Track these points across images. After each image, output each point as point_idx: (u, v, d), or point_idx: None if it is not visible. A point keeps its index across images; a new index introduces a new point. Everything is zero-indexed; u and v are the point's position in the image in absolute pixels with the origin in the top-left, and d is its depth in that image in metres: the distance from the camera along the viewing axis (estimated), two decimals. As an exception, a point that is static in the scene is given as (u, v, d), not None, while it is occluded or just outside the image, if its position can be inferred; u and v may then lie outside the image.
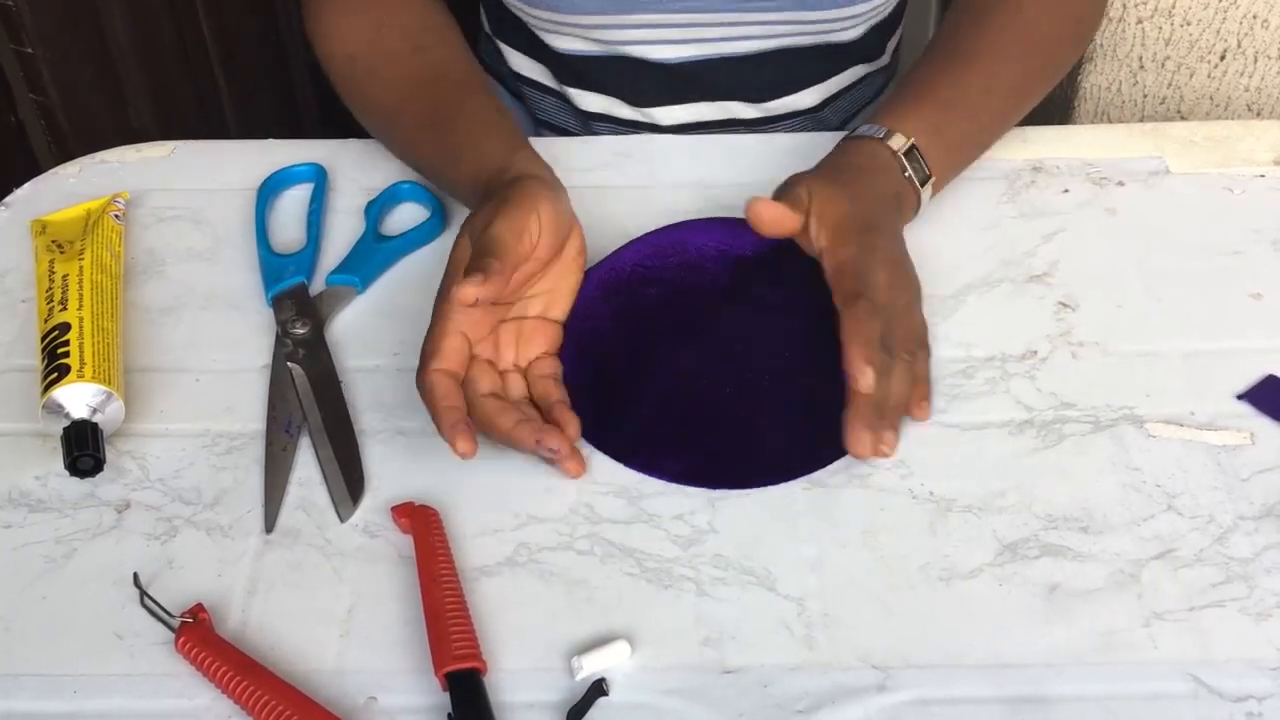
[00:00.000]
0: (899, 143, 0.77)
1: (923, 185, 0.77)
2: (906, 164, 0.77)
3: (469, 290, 0.65)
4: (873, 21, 0.94)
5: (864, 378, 0.66)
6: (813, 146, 0.88)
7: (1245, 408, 0.71)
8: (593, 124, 0.98)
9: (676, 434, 0.69)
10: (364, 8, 0.85)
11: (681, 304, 0.76)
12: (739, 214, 0.74)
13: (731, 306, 0.75)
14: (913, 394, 0.69)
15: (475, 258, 0.67)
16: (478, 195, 0.73)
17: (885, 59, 1.01)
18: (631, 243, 0.79)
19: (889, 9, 0.94)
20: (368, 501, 0.68)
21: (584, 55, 0.94)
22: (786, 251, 0.75)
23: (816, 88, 0.97)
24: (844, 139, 0.80)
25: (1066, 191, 0.84)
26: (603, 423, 0.70)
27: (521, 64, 0.99)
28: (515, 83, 1.01)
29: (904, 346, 0.69)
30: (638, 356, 0.73)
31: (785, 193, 0.74)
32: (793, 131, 0.98)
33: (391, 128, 0.84)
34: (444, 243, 0.82)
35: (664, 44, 0.92)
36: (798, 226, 0.73)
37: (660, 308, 0.75)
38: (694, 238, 0.79)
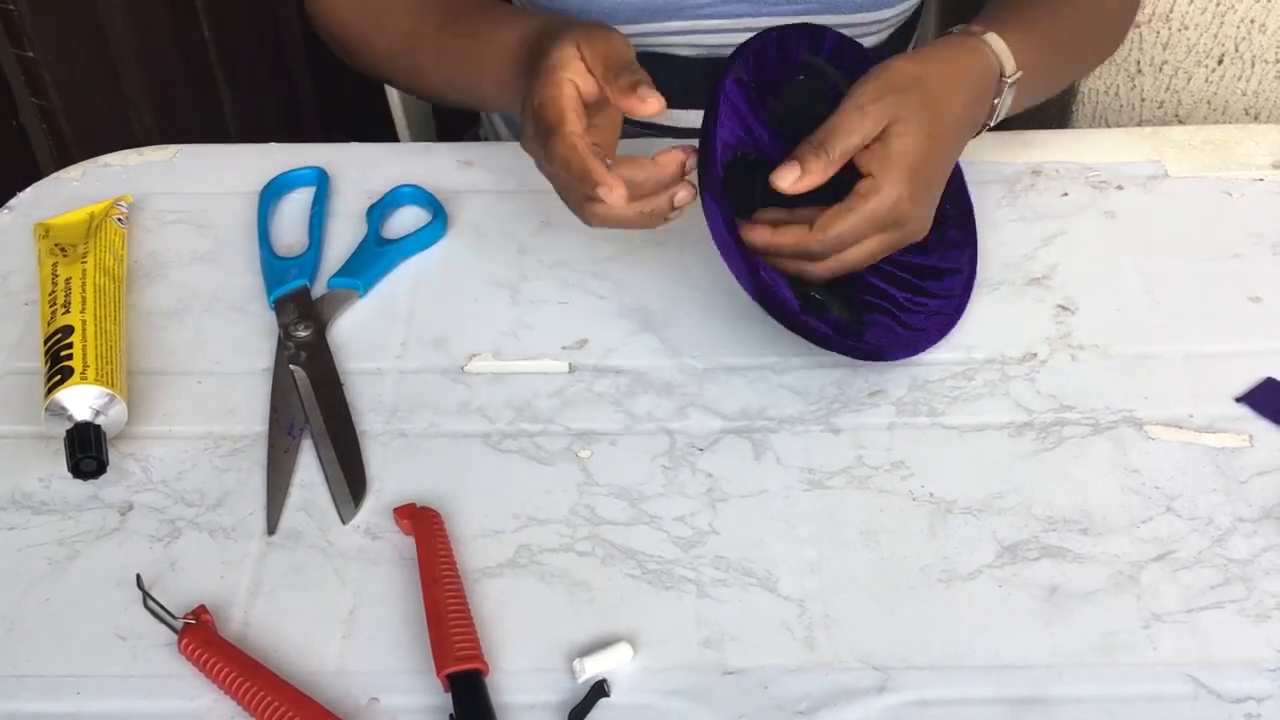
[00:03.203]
0: (987, 35, 0.75)
1: (1003, 75, 0.75)
2: (996, 48, 0.75)
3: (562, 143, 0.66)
4: (896, 26, 0.95)
5: (785, 177, 0.67)
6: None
7: (1244, 410, 0.71)
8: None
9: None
10: None
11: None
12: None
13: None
14: (827, 244, 0.69)
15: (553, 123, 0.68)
16: (515, 70, 0.75)
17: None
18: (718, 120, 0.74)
19: (909, 14, 0.95)
20: (369, 503, 0.68)
21: None
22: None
23: None
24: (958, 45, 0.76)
25: (1066, 195, 0.84)
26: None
27: None
28: None
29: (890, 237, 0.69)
30: None
31: (859, 107, 0.70)
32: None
33: (413, 43, 0.84)
34: (445, 245, 0.83)
35: (694, 47, 0.92)
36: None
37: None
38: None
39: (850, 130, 0.68)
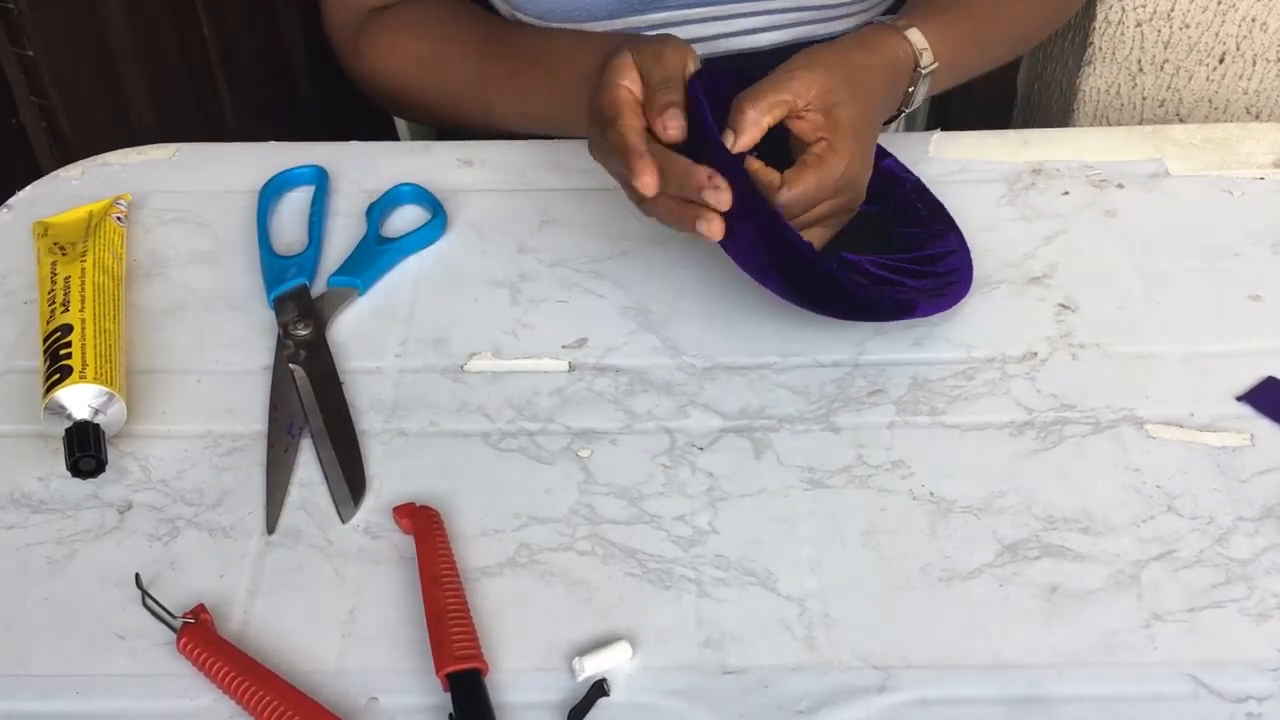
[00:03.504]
0: (924, 58, 0.80)
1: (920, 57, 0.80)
2: (912, 40, 0.79)
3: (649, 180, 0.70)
4: (866, 14, 0.95)
5: (736, 132, 0.70)
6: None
7: (1245, 409, 0.71)
8: None
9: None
10: (411, 19, 0.90)
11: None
12: None
13: None
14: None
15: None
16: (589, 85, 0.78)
17: None
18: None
19: (884, 6, 0.95)
20: (369, 502, 0.68)
21: None
22: None
23: None
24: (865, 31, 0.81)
25: (1066, 194, 0.84)
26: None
27: None
28: None
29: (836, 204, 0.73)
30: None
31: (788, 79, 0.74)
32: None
33: (482, 78, 0.88)
34: (445, 244, 0.83)
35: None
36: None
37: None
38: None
39: (779, 87, 0.72)
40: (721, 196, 0.68)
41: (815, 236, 0.74)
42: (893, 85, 0.79)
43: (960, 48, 0.82)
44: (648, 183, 0.69)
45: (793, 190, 0.71)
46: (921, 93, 0.81)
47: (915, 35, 0.79)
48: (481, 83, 0.88)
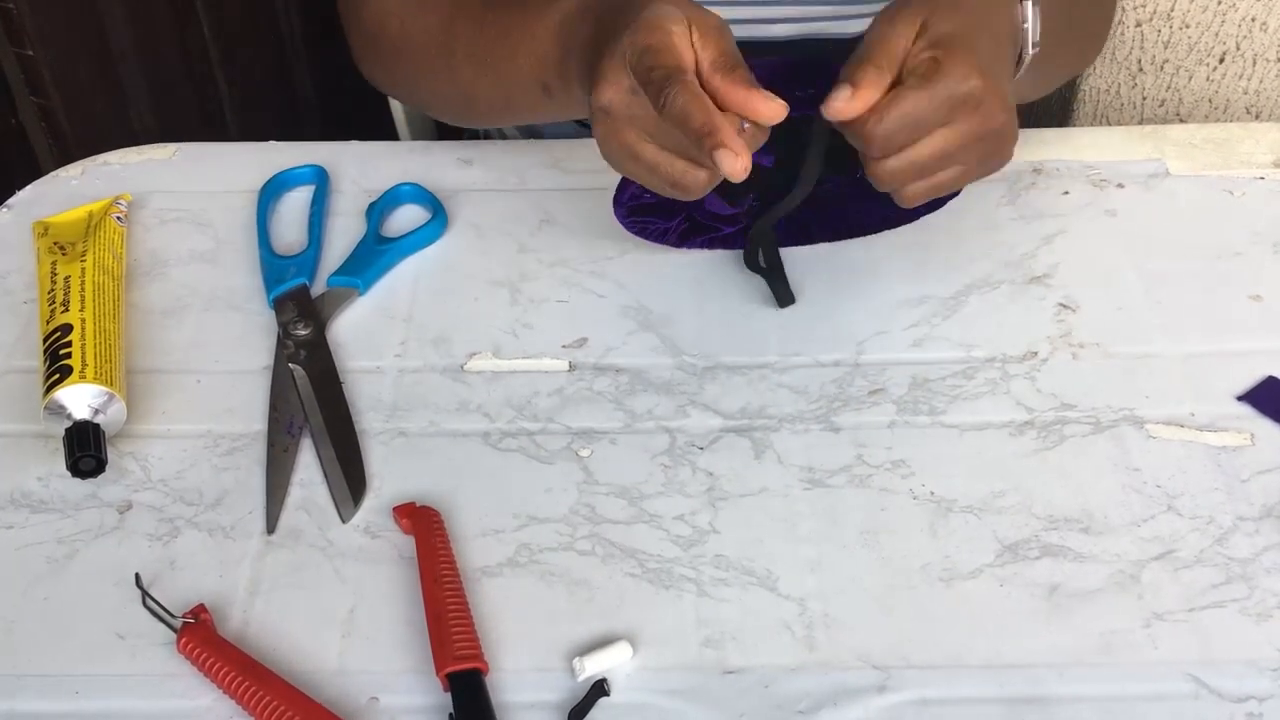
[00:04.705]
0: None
1: (1032, 46, 0.68)
2: (1030, 16, 0.68)
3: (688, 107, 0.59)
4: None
5: (838, 99, 0.62)
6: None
7: (1245, 409, 0.71)
8: None
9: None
10: None
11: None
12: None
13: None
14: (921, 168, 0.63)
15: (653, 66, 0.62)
16: (566, 42, 0.70)
17: None
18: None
19: None
20: (369, 502, 0.68)
21: None
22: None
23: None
24: None
25: (1066, 193, 0.84)
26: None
27: None
28: None
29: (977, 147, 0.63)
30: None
31: (888, 24, 0.65)
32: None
33: (453, 30, 0.79)
34: (445, 244, 0.83)
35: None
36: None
37: None
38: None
39: (887, 37, 0.63)
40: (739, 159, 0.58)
41: (951, 178, 0.64)
42: (1008, 35, 0.68)
43: (1052, 39, 0.71)
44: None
45: (887, 114, 0.61)
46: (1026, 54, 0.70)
47: (1030, 8, 0.68)
48: (448, 25, 0.80)
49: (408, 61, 0.84)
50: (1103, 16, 0.89)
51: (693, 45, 0.63)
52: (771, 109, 0.61)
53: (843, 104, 0.62)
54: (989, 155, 0.66)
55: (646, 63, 0.61)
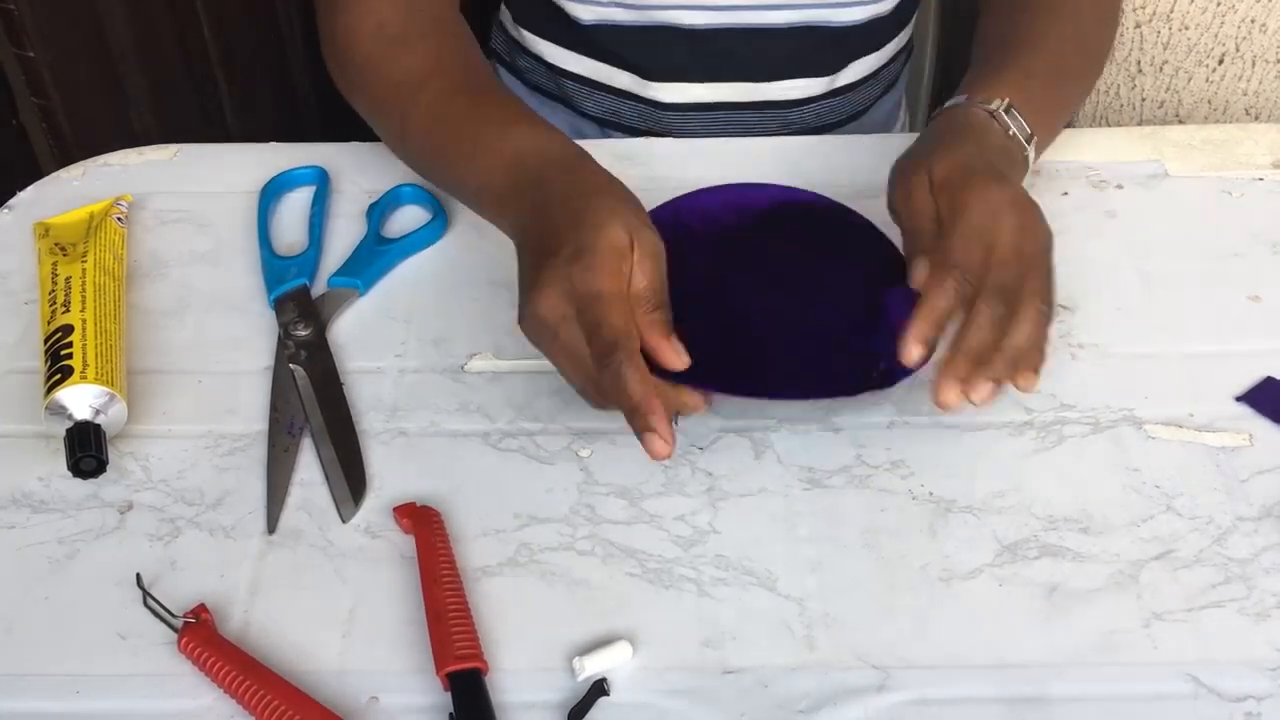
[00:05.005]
0: (995, 104, 0.75)
1: (1027, 143, 0.75)
2: (1009, 121, 0.75)
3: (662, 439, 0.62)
4: (873, 8, 0.95)
5: (911, 353, 0.65)
6: (814, 149, 0.89)
7: (1244, 409, 0.71)
8: (616, 102, 0.98)
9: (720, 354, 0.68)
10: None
11: (721, 240, 0.76)
12: None
13: (765, 248, 0.76)
14: (1022, 358, 0.65)
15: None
16: (523, 170, 0.71)
17: (885, 58, 1.01)
18: (679, 197, 0.78)
19: (890, 4, 0.95)
20: (369, 502, 0.68)
21: (613, 25, 0.94)
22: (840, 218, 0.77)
23: (823, 79, 0.97)
24: (935, 115, 0.77)
25: (1066, 194, 0.84)
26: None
27: (540, 46, 0.99)
28: (531, 69, 1.01)
29: (1028, 301, 0.66)
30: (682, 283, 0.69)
31: (904, 188, 0.72)
32: (792, 123, 0.98)
33: (418, 93, 0.78)
34: (445, 245, 0.83)
35: (695, 9, 0.92)
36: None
37: (705, 242, 0.76)
38: (751, 193, 0.80)
39: (911, 200, 0.70)
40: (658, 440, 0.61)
41: (1022, 332, 0.66)
42: (1004, 150, 0.75)
43: (1041, 105, 0.78)
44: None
45: (911, 354, 0.65)
46: (1032, 154, 0.76)
47: (994, 104, 0.75)
48: (417, 86, 0.78)
49: (364, 95, 0.83)
50: (1108, 34, 0.90)
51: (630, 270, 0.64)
52: (680, 362, 0.64)
53: (913, 353, 0.66)
54: (1035, 295, 0.67)
55: (594, 314, 0.62)
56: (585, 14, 0.94)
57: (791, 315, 0.73)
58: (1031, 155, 0.76)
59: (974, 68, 0.82)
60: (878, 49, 0.99)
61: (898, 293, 0.71)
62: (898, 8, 0.96)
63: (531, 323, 0.65)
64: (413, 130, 0.79)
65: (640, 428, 0.61)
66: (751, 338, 0.71)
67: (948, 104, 0.77)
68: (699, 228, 0.77)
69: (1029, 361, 0.66)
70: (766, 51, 0.95)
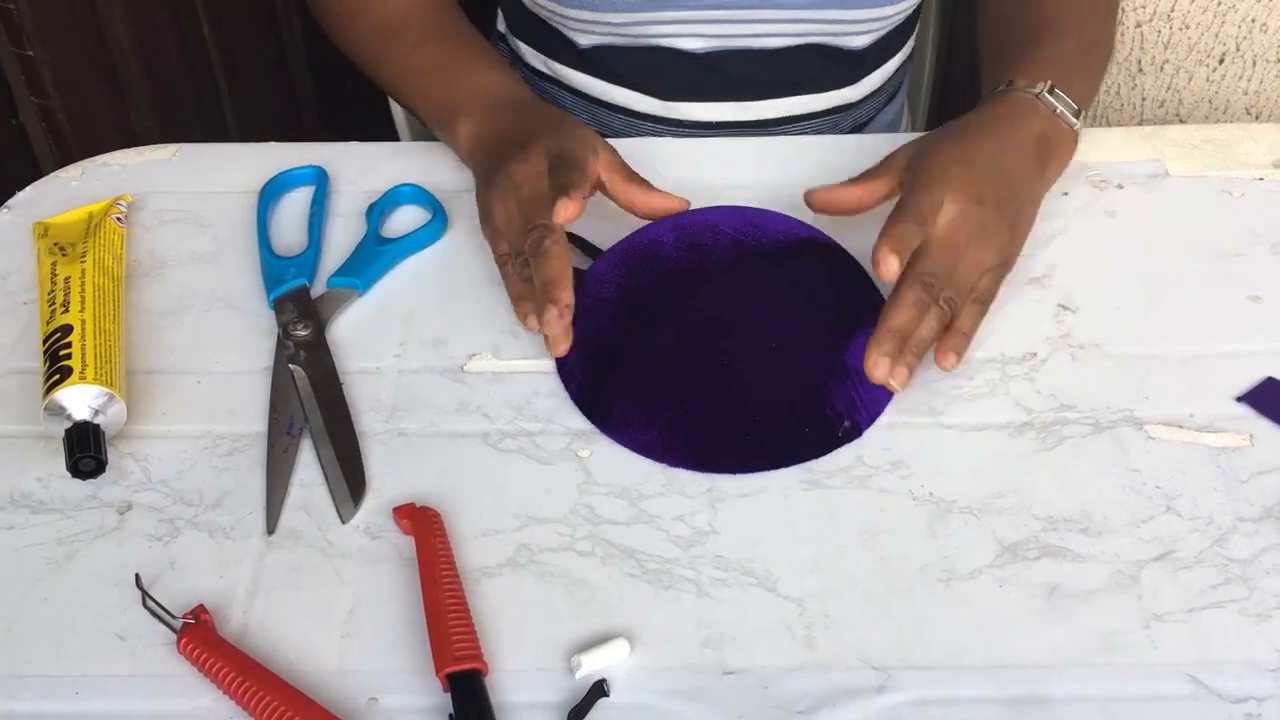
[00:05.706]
0: (1039, 87, 0.79)
1: (1076, 116, 0.80)
2: (1054, 102, 0.79)
3: (572, 208, 0.71)
4: (883, 31, 0.95)
5: (885, 266, 0.69)
6: (816, 149, 0.89)
7: (1244, 410, 0.71)
8: (613, 118, 0.98)
9: (646, 406, 0.70)
10: None
11: (677, 284, 0.76)
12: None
13: (724, 292, 0.76)
14: (944, 340, 0.71)
15: (563, 173, 0.74)
16: (487, 106, 0.83)
17: (889, 74, 1.01)
18: (663, 219, 0.79)
19: (899, 20, 0.95)
20: (369, 503, 0.68)
21: (611, 47, 0.94)
22: (803, 252, 0.78)
23: (828, 94, 0.97)
24: (985, 98, 0.82)
25: (1066, 194, 0.84)
26: (592, 386, 0.72)
27: (538, 61, 1.00)
28: (533, 80, 1.02)
29: (958, 293, 0.71)
30: (629, 327, 0.74)
31: (881, 166, 0.78)
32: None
33: (402, 33, 0.89)
34: (445, 245, 0.83)
35: (693, 36, 0.92)
36: (856, 205, 0.77)
37: (658, 285, 0.76)
38: (720, 220, 0.80)
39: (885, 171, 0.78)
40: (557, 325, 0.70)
41: (970, 315, 0.72)
42: (1037, 141, 0.78)
43: (1079, 85, 0.82)
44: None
45: (885, 268, 0.69)
46: (1080, 125, 0.81)
47: (1037, 86, 0.79)
48: (399, 28, 0.90)
49: (347, 44, 0.93)
50: (1115, 23, 0.93)
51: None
52: (680, 203, 0.78)
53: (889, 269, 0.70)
54: (995, 243, 0.74)
55: (564, 171, 0.74)
56: (583, 39, 0.94)
57: (754, 377, 0.72)
58: (1079, 128, 0.81)
59: (996, 60, 0.84)
60: (880, 66, 0.99)
61: (861, 341, 0.71)
62: (900, 27, 0.97)
63: (497, 188, 0.76)
64: (387, 75, 0.91)
65: (546, 299, 0.70)
66: (717, 407, 0.71)
67: (989, 94, 0.81)
68: (654, 272, 0.77)
69: (949, 343, 0.71)
70: (768, 72, 0.95)
